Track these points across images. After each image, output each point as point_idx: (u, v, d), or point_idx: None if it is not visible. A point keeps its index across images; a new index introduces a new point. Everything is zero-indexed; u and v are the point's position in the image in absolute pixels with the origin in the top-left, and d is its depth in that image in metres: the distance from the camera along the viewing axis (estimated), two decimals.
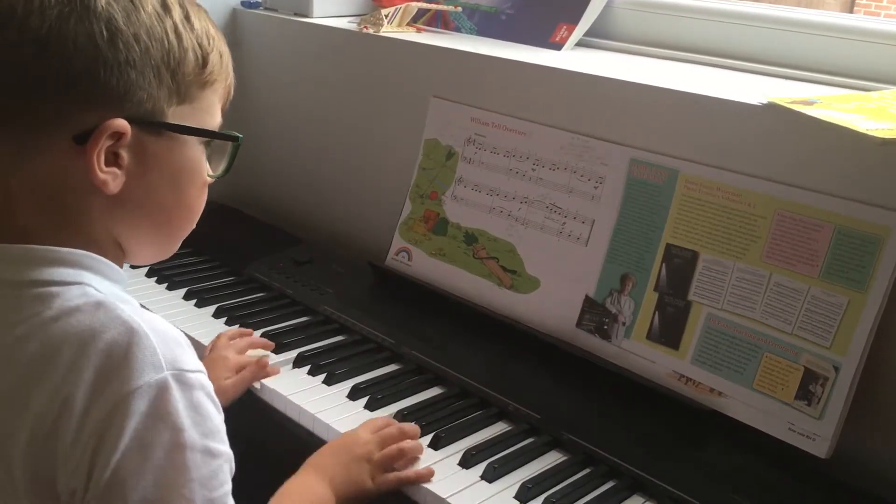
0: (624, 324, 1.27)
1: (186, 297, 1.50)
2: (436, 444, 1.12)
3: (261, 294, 1.54)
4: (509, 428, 1.18)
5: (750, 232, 1.17)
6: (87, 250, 0.74)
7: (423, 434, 1.13)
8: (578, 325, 1.32)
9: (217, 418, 0.72)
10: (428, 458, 1.10)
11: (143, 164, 0.74)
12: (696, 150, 1.23)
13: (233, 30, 1.92)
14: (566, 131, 1.37)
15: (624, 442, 1.12)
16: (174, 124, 0.75)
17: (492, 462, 1.09)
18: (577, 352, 1.29)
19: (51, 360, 0.68)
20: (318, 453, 1.07)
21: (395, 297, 1.51)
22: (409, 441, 1.09)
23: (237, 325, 1.41)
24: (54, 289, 0.71)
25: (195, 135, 0.77)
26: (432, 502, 1.04)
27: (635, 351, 1.25)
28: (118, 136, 0.71)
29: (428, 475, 1.06)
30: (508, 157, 1.44)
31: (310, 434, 1.18)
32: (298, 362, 1.30)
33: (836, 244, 1.09)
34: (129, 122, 0.72)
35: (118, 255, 0.78)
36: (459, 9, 1.76)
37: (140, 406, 0.66)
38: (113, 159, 0.72)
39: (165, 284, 1.54)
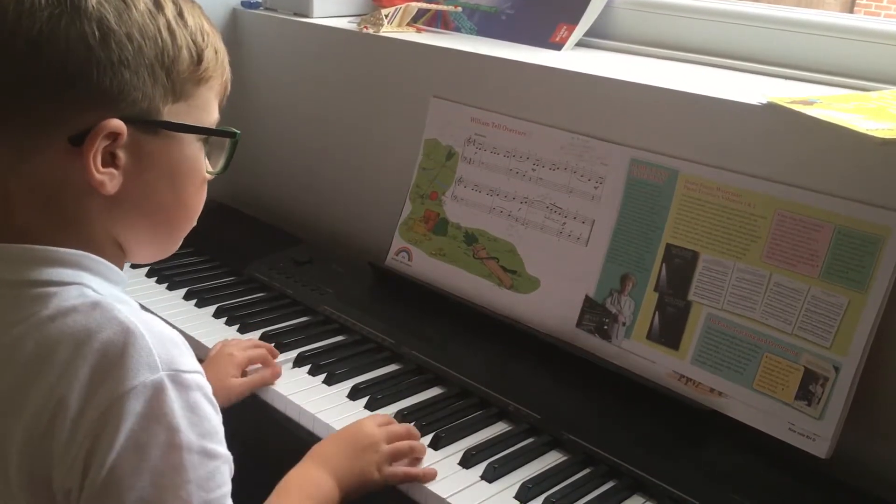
0: (624, 324, 1.27)
1: (187, 297, 1.50)
2: (436, 444, 1.12)
3: (261, 294, 1.54)
4: (509, 428, 1.18)
5: (750, 232, 1.17)
6: (86, 251, 0.74)
7: (423, 434, 1.13)
8: (578, 325, 1.32)
9: (215, 419, 0.71)
10: (428, 458, 1.10)
11: (140, 164, 0.74)
12: (696, 150, 1.23)
13: (233, 30, 1.92)
14: (566, 131, 1.37)
15: (624, 442, 1.12)
16: (170, 122, 0.75)
17: (492, 462, 1.09)
18: (577, 352, 1.29)
19: (46, 360, 0.68)
20: (320, 443, 1.07)
21: (396, 297, 1.51)
22: (416, 441, 1.09)
23: (237, 325, 1.41)
24: (52, 289, 0.71)
25: (191, 132, 0.77)
26: (432, 502, 1.04)
27: (635, 351, 1.25)
28: (114, 136, 0.71)
29: (432, 475, 1.06)
30: (508, 158, 1.44)
31: (310, 434, 1.17)
32: (298, 362, 1.30)
33: (836, 244, 1.09)
34: (125, 121, 0.71)
35: (118, 255, 0.78)
36: (459, 9, 1.76)
37: (135, 406, 0.66)
38: (110, 160, 0.72)
39: (166, 284, 1.54)
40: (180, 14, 0.76)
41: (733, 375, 1.15)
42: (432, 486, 1.05)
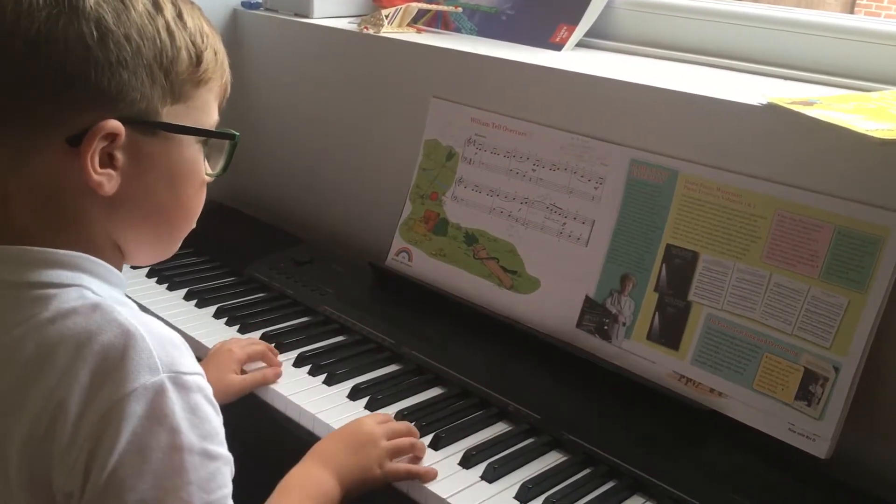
0: (624, 324, 1.27)
1: (187, 298, 1.50)
2: (436, 444, 1.12)
3: (261, 294, 1.54)
4: (509, 428, 1.18)
5: (750, 232, 1.17)
6: (86, 252, 0.74)
7: (424, 434, 1.13)
8: (578, 325, 1.32)
9: (215, 420, 0.71)
10: (428, 458, 1.10)
11: (138, 165, 0.74)
12: (695, 150, 1.23)
13: (233, 30, 1.92)
14: (566, 132, 1.37)
15: (624, 442, 1.12)
16: (169, 124, 0.75)
17: (492, 462, 1.09)
18: (577, 352, 1.29)
19: (46, 362, 0.68)
20: (320, 442, 1.06)
21: (396, 297, 1.51)
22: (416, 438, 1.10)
23: (238, 326, 1.41)
24: (51, 291, 0.71)
25: (190, 134, 0.77)
26: (432, 502, 1.04)
27: (635, 351, 1.25)
28: (112, 137, 0.71)
29: (433, 474, 1.06)
30: (508, 158, 1.44)
31: (310, 434, 1.17)
32: (299, 362, 1.30)
33: (836, 244, 1.09)
34: (123, 122, 0.71)
35: (117, 256, 0.78)
36: (459, 9, 1.76)
37: (136, 409, 0.66)
38: (108, 160, 0.72)
39: (166, 285, 1.54)
40: (179, 15, 0.75)
41: (733, 376, 1.15)
42: (432, 486, 1.05)
